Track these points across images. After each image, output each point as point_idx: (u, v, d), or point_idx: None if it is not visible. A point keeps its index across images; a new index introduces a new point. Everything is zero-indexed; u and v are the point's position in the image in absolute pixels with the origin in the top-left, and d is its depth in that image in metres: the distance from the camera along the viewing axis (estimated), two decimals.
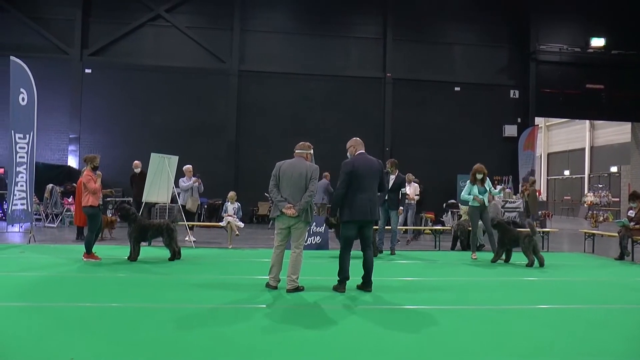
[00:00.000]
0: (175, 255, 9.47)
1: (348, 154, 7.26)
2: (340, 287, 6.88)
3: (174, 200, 12.70)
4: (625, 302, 6.97)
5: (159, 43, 19.94)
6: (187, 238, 12.10)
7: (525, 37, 21.19)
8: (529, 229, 10.09)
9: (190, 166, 12.95)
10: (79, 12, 19.38)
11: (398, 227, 11.40)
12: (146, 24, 19.89)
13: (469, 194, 10.82)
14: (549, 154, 37.92)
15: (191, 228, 12.56)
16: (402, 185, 11.14)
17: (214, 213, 18.23)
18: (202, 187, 13.12)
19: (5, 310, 5.66)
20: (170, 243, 9.44)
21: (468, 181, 11.07)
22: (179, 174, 12.88)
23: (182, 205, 12.42)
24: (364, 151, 7.13)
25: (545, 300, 6.81)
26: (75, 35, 19.36)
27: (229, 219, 11.86)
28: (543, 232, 13.38)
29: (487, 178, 10.98)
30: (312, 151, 7.24)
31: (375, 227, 11.26)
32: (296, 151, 7.14)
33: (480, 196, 10.71)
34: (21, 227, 13.40)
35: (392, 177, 10.84)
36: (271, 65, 20.14)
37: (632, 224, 11.09)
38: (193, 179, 12.72)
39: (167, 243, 9.48)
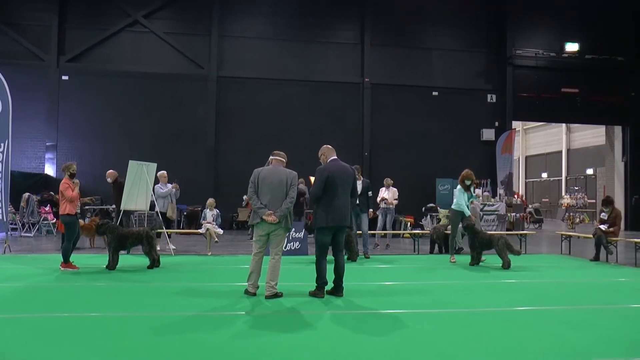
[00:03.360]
0: (154, 263, 9.41)
1: (320, 161, 7.32)
2: (319, 292, 6.93)
3: (152, 207, 12.58)
4: (600, 302, 7.12)
5: (137, 49, 19.81)
6: (168, 246, 12.03)
7: (502, 42, 21.50)
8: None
9: (165, 172, 12.79)
10: (55, 18, 19.17)
11: (378, 232, 11.50)
12: (124, 30, 19.74)
13: (466, 201, 10.87)
14: (527, 157, 38.47)
15: (169, 235, 12.49)
16: (369, 188, 11.49)
17: (193, 220, 18.13)
18: (179, 193, 13.05)
19: None
20: (150, 251, 9.38)
21: (459, 188, 11.03)
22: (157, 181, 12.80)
23: (161, 212, 12.26)
24: (335, 157, 7.21)
25: (523, 302, 6.92)
26: (52, 42, 19.14)
27: (208, 225, 11.83)
28: (520, 234, 13.58)
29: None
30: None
31: (358, 232, 11.41)
32: (274, 158, 7.18)
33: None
34: None
35: (359, 183, 10.97)
36: (250, 71, 20.14)
37: (605, 226, 11.41)
38: (169, 185, 12.59)
39: (147, 251, 9.41)
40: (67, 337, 4.96)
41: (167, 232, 12.10)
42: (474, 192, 11.82)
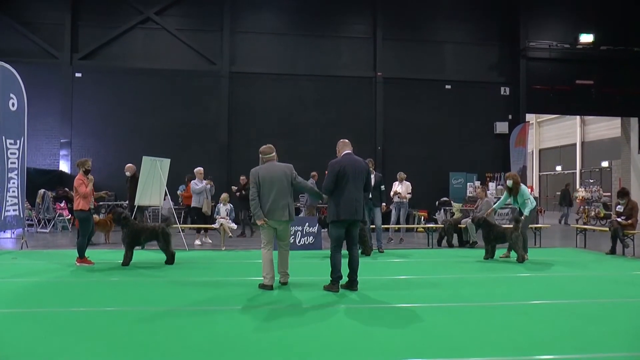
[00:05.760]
0: (171, 259, 9.35)
1: (337, 155, 7.34)
2: (333, 286, 6.94)
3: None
4: (618, 296, 7.04)
5: (149, 46, 19.88)
6: (197, 242, 12.66)
7: (515, 34, 21.26)
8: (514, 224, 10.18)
9: (202, 169, 13.23)
10: (68, 16, 19.26)
11: (391, 226, 11.44)
12: (136, 27, 19.81)
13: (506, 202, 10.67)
14: (540, 150, 38.12)
15: (205, 230, 12.91)
16: (381, 182, 11.33)
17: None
18: (214, 189, 13.50)
19: (1, 316, 5.66)
20: (167, 247, 9.34)
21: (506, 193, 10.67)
22: (172, 176, 12.94)
23: (197, 208, 12.91)
24: (350, 151, 7.20)
25: (538, 296, 6.87)
26: (65, 39, 19.25)
27: (222, 220, 11.87)
28: (535, 228, 13.46)
29: (520, 187, 10.41)
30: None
31: (372, 226, 11.39)
32: (267, 155, 7.30)
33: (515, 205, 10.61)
34: (13, 233, 13.34)
35: (372, 176, 10.92)
36: (262, 66, 20.12)
37: (622, 218, 11.26)
38: (204, 181, 13.04)
39: (163, 247, 9.36)
40: (83, 332, 5.01)
41: (202, 227, 12.79)
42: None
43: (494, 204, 11.55)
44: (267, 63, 20.18)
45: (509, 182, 10.38)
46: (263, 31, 20.32)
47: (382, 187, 11.47)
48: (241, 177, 14.99)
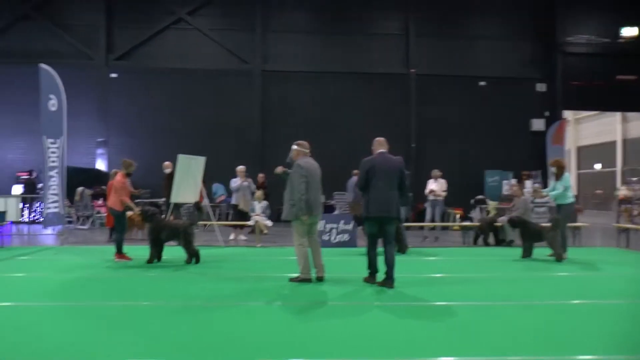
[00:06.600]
0: (192, 258, 8.98)
1: (372, 153, 7.38)
2: (370, 278, 7.17)
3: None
4: None
5: (182, 46, 20.13)
6: (231, 237, 13.02)
7: (551, 28, 20.76)
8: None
9: (244, 167, 13.52)
10: (103, 18, 19.69)
11: (426, 224, 11.21)
12: (169, 27, 20.09)
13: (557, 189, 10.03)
14: (578, 148, 37.17)
15: (241, 227, 13.01)
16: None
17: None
18: (254, 187, 13.57)
19: (43, 310, 5.78)
20: (187, 246, 8.97)
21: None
22: (210, 174, 13.12)
23: (234, 205, 13.24)
24: (384, 150, 7.24)
25: (578, 295, 6.67)
26: (100, 41, 19.67)
27: (257, 218, 11.92)
28: (574, 227, 13.10)
29: (564, 173, 10.02)
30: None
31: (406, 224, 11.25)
32: (305, 150, 7.39)
33: (555, 192, 9.98)
34: (54, 229, 13.67)
35: None
36: (294, 65, 20.17)
37: None
38: (239, 180, 13.25)
39: (184, 245, 9.01)
40: (122, 325, 5.09)
41: (237, 224, 13.05)
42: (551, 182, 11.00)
43: (532, 202, 11.19)
44: (300, 61, 20.21)
45: (553, 169, 10.18)
46: (295, 29, 20.36)
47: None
48: (259, 175, 14.94)
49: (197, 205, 10.39)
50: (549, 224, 10.24)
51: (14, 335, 4.69)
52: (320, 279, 7.25)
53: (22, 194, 17.28)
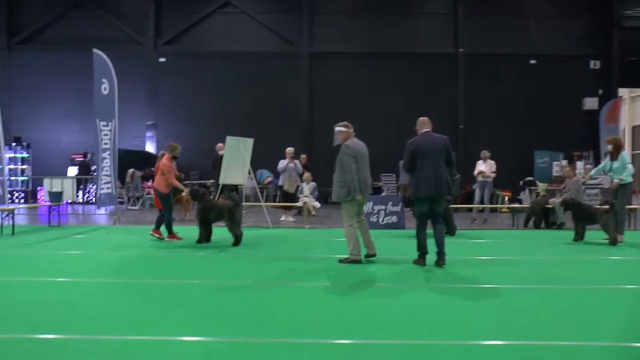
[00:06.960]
0: (236, 239, 8.86)
1: (417, 133, 7.34)
2: (420, 260, 7.11)
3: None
4: None
5: (229, 29, 20.30)
6: (282, 218, 13.15)
7: (607, 2, 19.85)
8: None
9: (292, 149, 13.75)
10: (152, 4, 20.05)
11: (474, 206, 11.05)
12: (216, 11, 20.27)
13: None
14: (633, 127, 35.61)
15: (289, 209, 13.16)
16: None
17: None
18: (300, 168, 13.67)
19: (99, 285, 6.04)
20: (232, 226, 8.85)
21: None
22: (256, 156, 13.13)
23: (280, 186, 13.57)
24: (428, 130, 7.20)
25: (633, 280, 6.44)
26: (149, 26, 20.06)
27: (305, 199, 12.02)
28: (629, 209, 12.61)
29: (621, 152, 9.59)
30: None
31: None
32: (349, 130, 7.35)
33: (611, 173, 9.63)
34: (107, 209, 14.16)
35: None
36: (341, 46, 20.05)
37: None
38: (285, 161, 13.43)
39: (229, 226, 8.92)
40: (174, 302, 5.24)
41: (285, 205, 13.26)
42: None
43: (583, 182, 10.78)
44: (346, 42, 20.08)
45: (609, 147, 9.72)
46: (341, 10, 20.24)
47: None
48: (302, 156, 14.91)
49: (235, 188, 10.52)
50: (602, 206, 9.89)
51: (70, 310, 4.89)
52: (372, 256, 7.31)
53: (76, 175, 17.97)
